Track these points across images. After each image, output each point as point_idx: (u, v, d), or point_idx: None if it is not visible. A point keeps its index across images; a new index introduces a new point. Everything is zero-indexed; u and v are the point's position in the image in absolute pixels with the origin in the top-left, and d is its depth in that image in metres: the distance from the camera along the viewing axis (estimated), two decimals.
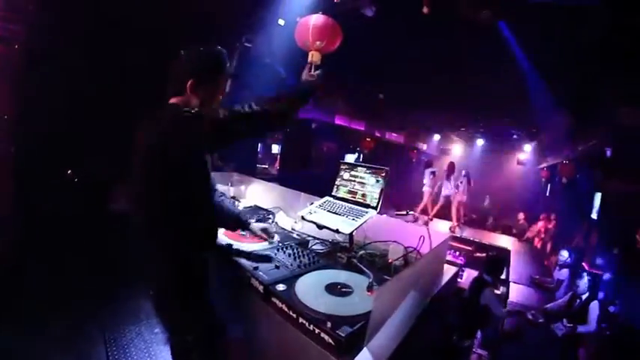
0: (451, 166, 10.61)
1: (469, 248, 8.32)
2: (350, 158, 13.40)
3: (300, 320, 1.54)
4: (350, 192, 2.73)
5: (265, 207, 3.47)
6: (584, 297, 4.90)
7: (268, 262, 2.08)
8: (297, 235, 2.80)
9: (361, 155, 13.71)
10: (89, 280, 4.15)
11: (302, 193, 3.39)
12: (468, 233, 9.61)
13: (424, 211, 10.41)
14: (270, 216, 3.19)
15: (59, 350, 3.12)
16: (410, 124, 14.01)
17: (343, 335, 1.37)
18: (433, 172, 10.71)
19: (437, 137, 15.67)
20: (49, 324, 3.42)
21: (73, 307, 3.66)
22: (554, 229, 10.75)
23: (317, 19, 4.20)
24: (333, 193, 2.85)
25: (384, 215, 2.63)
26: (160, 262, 1.82)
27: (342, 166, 2.89)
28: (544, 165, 13.32)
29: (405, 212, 9.75)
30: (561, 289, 5.97)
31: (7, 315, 3.47)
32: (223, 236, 2.46)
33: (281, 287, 1.76)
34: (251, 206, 3.55)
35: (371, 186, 2.59)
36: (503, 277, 6.50)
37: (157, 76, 2.12)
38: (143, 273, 1.89)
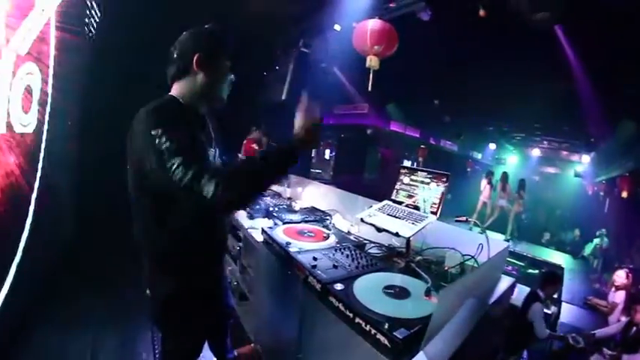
0: (504, 177, 10.29)
1: (521, 264, 8.14)
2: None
3: (357, 320, 1.53)
4: (409, 196, 2.71)
5: (321, 208, 3.51)
6: None
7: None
8: (355, 237, 2.79)
9: (415, 163, 13.57)
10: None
11: (359, 197, 3.40)
12: (520, 248, 9.31)
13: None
14: (328, 217, 3.22)
15: (108, 333, 3.32)
16: (465, 132, 13.68)
17: (400, 337, 1.35)
18: (489, 182, 10.43)
19: (492, 146, 15.09)
20: (99, 306, 3.67)
21: (123, 293, 3.81)
22: (608, 247, 10.18)
23: (374, 23, 4.23)
24: (392, 197, 2.84)
25: (442, 222, 2.55)
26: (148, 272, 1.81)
27: (402, 170, 2.88)
28: (603, 178, 12.51)
29: (464, 218, 9.55)
30: (615, 313, 5.48)
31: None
32: (282, 234, 2.51)
33: (339, 286, 1.75)
34: (307, 207, 3.61)
35: (431, 191, 2.55)
36: (555, 296, 6.29)
37: None
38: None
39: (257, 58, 6.91)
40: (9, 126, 2.58)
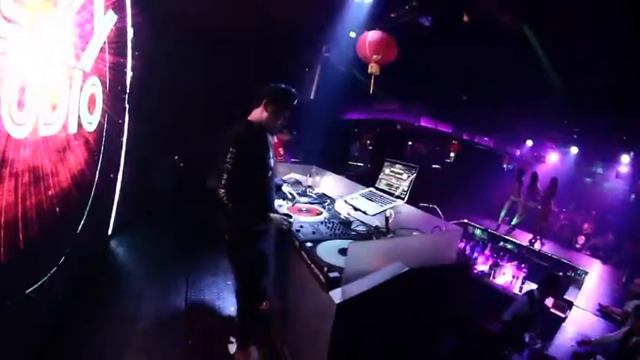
0: (533, 177, 10.20)
1: (545, 264, 8.20)
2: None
3: (312, 266, 2.30)
4: (388, 184, 3.29)
5: (331, 195, 4.16)
6: None
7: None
8: (345, 217, 3.37)
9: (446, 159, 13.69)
10: (183, 238, 5.52)
11: (360, 186, 3.94)
12: (549, 249, 9.19)
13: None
14: (327, 200, 3.85)
15: (151, 284, 4.21)
16: (498, 128, 13.56)
17: (330, 277, 2.06)
18: (518, 180, 10.53)
19: (529, 143, 14.56)
20: (148, 264, 4.72)
21: (167, 257, 4.90)
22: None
23: (373, 35, 4.76)
24: (376, 185, 3.43)
25: (413, 207, 3.10)
26: (231, 222, 2.71)
27: (385, 163, 3.46)
28: None
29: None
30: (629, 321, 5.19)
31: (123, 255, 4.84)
32: (286, 210, 3.24)
33: (309, 244, 2.50)
34: (319, 193, 4.29)
35: (403, 180, 3.13)
36: (572, 300, 6.42)
37: (245, 84, 2.90)
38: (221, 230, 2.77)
39: (294, 62, 7.66)
40: (79, 125, 3.62)
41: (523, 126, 12.85)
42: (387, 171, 3.40)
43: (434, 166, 13.42)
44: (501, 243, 8.98)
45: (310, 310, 2.41)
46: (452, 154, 13.79)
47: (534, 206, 9.81)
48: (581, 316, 6.20)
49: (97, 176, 4.27)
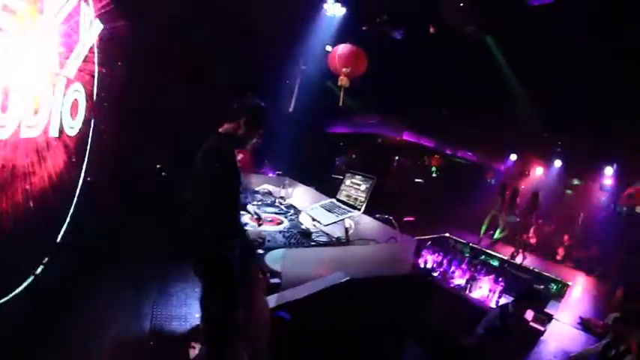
0: (514, 190, 10.32)
1: (526, 276, 8.21)
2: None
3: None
4: (347, 195, 3.28)
5: (300, 206, 4.11)
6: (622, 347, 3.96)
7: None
8: (306, 227, 3.29)
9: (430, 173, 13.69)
10: (157, 243, 5.39)
11: (329, 198, 3.90)
12: (531, 262, 9.23)
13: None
14: (290, 211, 3.83)
15: (120, 287, 4.22)
16: (482, 142, 13.63)
17: (271, 282, 2.08)
18: (500, 194, 10.54)
19: (513, 157, 14.64)
20: (122, 266, 4.66)
21: (140, 260, 4.87)
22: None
23: (342, 48, 4.80)
24: (337, 196, 3.42)
25: (370, 218, 3.09)
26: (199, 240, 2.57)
27: (347, 174, 3.46)
28: (631, 192, 11.93)
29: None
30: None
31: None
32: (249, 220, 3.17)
33: (260, 251, 2.53)
34: (287, 204, 4.24)
35: (362, 191, 3.11)
36: (552, 313, 6.31)
37: (226, 97, 2.89)
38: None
39: (273, 74, 7.69)
40: (60, 130, 3.72)
41: (507, 140, 12.97)
42: (347, 182, 3.40)
43: (417, 180, 13.37)
44: (482, 257, 8.99)
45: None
46: (434, 168, 13.79)
47: (515, 220, 9.83)
48: (562, 330, 6.10)
49: (80, 182, 4.38)
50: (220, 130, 2.62)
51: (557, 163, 13.72)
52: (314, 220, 3.09)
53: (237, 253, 2.77)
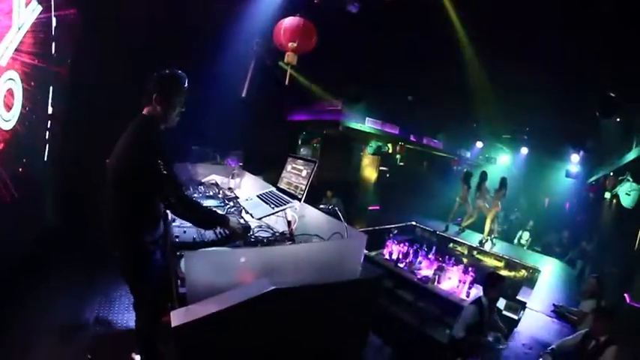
0: (483, 175, 9.93)
1: (498, 264, 8.07)
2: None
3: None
4: (288, 183, 2.81)
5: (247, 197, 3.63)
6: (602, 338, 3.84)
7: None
8: (245, 222, 2.80)
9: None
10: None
11: (273, 188, 3.46)
12: (501, 249, 8.99)
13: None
14: (231, 203, 3.31)
15: (64, 290, 4.09)
16: (447, 129, 13.39)
17: (179, 292, 1.70)
18: (465, 182, 10.26)
19: (479, 144, 14.51)
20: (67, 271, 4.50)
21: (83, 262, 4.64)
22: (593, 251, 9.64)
23: (289, 21, 4.33)
24: (277, 184, 2.94)
25: (313, 209, 2.63)
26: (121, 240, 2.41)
27: (289, 159, 2.98)
28: (595, 178, 12.03)
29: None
30: (585, 323, 4.64)
31: None
32: None
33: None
34: (231, 196, 3.73)
35: (303, 177, 2.65)
36: (525, 300, 6.14)
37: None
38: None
39: (222, 57, 7.10)
40: None
41: (472, 127, 12.78)
42: (288, 168, 2.92)
43: (381, 168, 12.99)
44: (450, 245, 8.71)
45: None
46: (398, 156, 13.39)
47: (483, 205, 9.59)
48: (535, 318, 5.91)
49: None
50: (144, 111, 2.37)
51: (524, 150, 13.66)
52: (246, 212, 2.61)
53: (159, 255, 2.48)
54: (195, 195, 3.47)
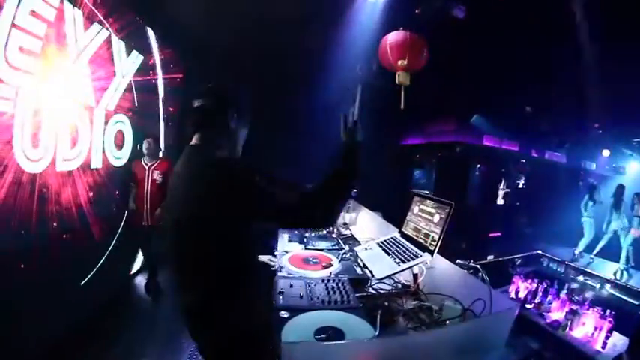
0: (620, 191, 8.65)
1: (635, 301, 6.66)
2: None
3: None
4: (415, 230, 2.42)
5: (362, 237, 3.30)
6: None
7: None
8: (363, 272, 2.39)
9: (509, 182, 12.02)
10: None
11: (397, 233, 3.01)
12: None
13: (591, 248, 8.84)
14: (347, 247, 2.99)
15: None
16: (570, 139, 11.87)
17: None
18: (591, 198, 9.04)
19: (606, 153, 12.54)
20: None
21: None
22: None
23: (394, 36, 3.94)
24: (402, 229, 2.57)
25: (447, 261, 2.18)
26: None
27: (414, 199, 2.59)
28: None
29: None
30: None
31: None
32: (286, 261, 2.40)
33: (284, 314, 1.70)
34: (346, 235, 3.46)
35: (435, 224, 2.24)
36: None
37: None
38: None
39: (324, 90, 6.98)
40: (104, 160, 4.27)
41: (597, 134, 11.11)
42: (415, 210, 2.53)
43: (501, 190, 11.87)
44: (580, 277, 7.55)
45: None
46: (521, 175, 12.15)
47: (621, 225, 8.27)
48: None
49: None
50: (192, 143, 1.64)
51: None
52: (364, 267, 2.26)
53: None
54: (307, 234, 3.19)
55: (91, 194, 3.88)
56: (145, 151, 4.83)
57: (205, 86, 1.66)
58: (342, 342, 1.44)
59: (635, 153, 12.06)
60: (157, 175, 4.79)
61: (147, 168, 4.80)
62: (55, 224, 3.29)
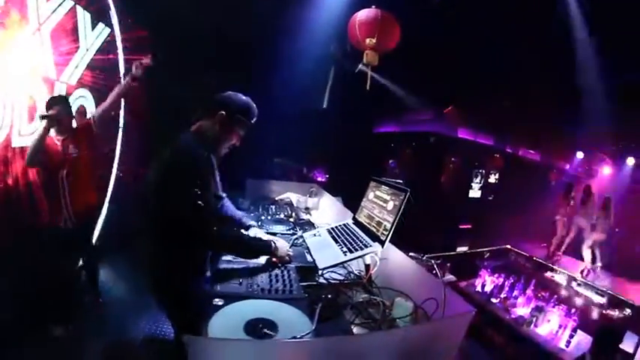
0: (587, 191, 8.67)
1: (601, 301, 6.64)
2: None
3: None
4: (368, 217, 2.22)
5: (320, 223, 3.09)
6: None
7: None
8: (313, 260, 2.21)
9: (483, 176, 12.09)
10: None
11: (350, 220, 2.84)
12: (606, 282, 7.53)
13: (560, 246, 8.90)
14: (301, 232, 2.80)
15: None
16: (546, 138, 11.94)
17: None
18: (565, 197, 9.05)
19: (580, 155, 12.71)
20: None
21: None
22: None
23: (364, 13, 3.76)
24: (355, 216, 2.37)
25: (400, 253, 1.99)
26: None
27: (370, 183, 2.39)
28: None
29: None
30: None
31: None
32: None
33: (219, 302, 1.52)
34: (304, 220, 3.25)
35: (388, 212, 2.04)
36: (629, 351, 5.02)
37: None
38: None
39: (295, 65, 6.70)
40: None
41: (572, 135, 11.18)
42: (370, 195, 2.32)
43: (476, 184, 11.92)
44: (548, 274, 7.56)
45: None
46: (492, 171, 12.17)
47: (587, 225, 8.26)
48: None
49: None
50: (193, 128, 1.98)
51: (630, 161, 11.70)
52: (308, 253, 2.05)
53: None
54: (263, 217, 2.99)
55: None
56: (52, 122, 3.13)
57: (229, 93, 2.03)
58: (256, 341, 1.22)
59: (608, 156, 12.24)
60: (72, 149, 3.34)
61: (60, 144, 3.31)
62: None
